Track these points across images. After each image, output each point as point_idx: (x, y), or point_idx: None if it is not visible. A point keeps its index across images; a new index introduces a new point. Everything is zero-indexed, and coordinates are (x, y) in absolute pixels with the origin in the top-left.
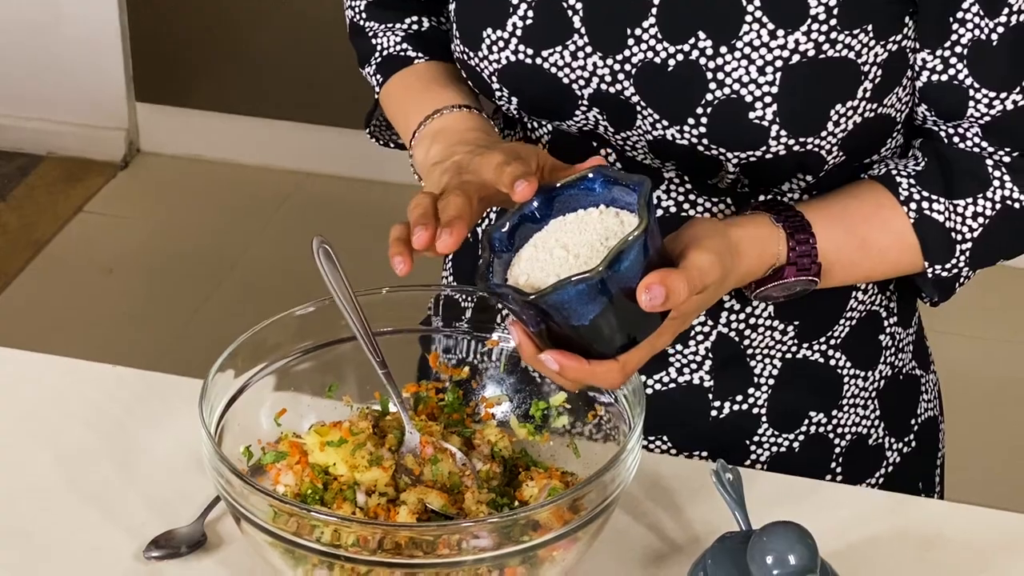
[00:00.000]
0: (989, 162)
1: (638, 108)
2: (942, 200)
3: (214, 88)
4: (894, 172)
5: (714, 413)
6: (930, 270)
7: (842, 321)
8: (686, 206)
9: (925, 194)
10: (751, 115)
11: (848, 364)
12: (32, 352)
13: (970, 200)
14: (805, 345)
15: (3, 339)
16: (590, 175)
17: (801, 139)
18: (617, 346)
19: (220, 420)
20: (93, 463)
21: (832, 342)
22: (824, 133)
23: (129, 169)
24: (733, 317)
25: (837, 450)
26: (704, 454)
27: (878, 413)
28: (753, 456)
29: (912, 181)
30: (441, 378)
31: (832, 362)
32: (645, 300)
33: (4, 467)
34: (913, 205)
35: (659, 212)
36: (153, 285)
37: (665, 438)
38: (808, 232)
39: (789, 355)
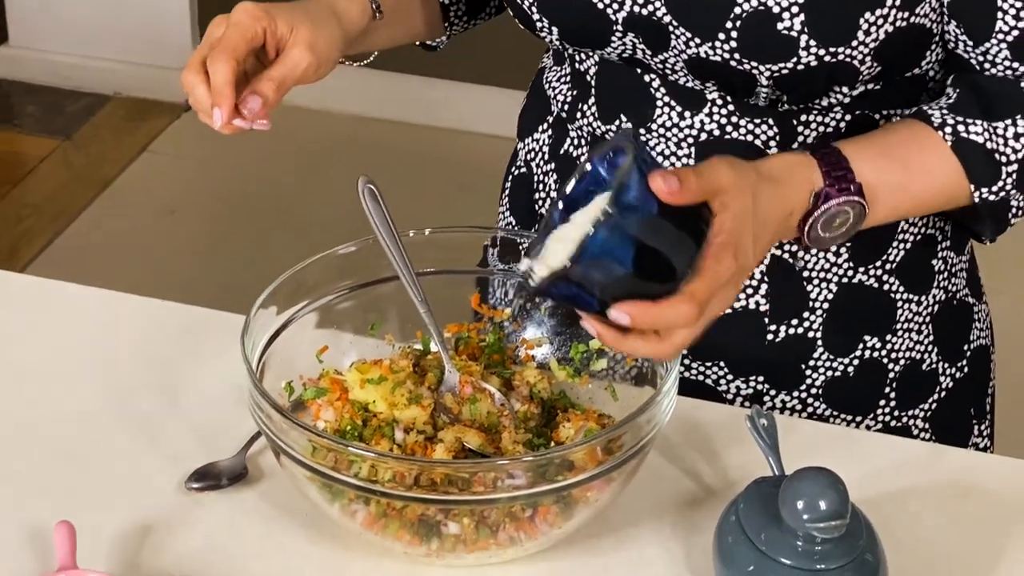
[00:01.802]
0: None
1: (671, 28)
2: (979, 122)
3: None
4: (925, 107)
5: (770, 337)
6: (977, 194)
7: (895, 244)
8: (728, 128)
9: (960, 118)
10: (779, 26)
11: (902, 288)
12: (83, 285)
13: (1009, 121)
14: (861, 269)
15: (65, 274)
16: (587, 167)
17: (831, 49)
18: (675, 280)
19: (262, 355)
20: (140, 394)
21: (887, 266)
22: (855, 43)
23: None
24: (785, 240)
25: (891, 375)
26: (760, 379)
27: (931, 338)
28: (808, 380)
29: (945, 110)
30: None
31: (886, 286)
32: (661, 185)
33: (54, 396)
34: (948, 129)
35: (703, 136)
36: (214, 225)
37: (722, 363)
38: (839, 155)
39: (845, 279)
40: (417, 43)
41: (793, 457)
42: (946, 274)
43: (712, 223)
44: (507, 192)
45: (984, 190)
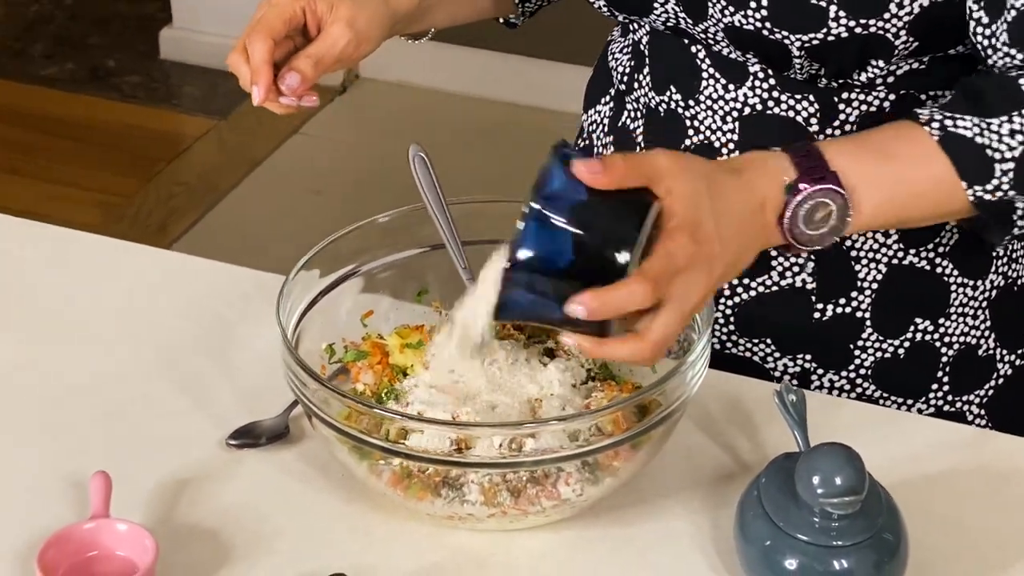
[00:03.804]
0: (1022, 81)
1: None
2: (968, 117)
3: None
4: (915, 108)
5: (817, 315)
6: (970, 192)
7: (949, 227)
8: (771, 103)
9: (948, 114)
10: None
11: (956, 273)
12: (137, 244)
13: (1005, 118)
14: (912, 251)
15: (211, 251)
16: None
17: (862, 20)
18: (623, 262)
19: (302, 316)
20: (193, 355)
21: (940, 249)
22: (887, 15)
23: (348, 93)
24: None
25: (944, 359)
26: (808, 357)
27: (989, 323)
28: (857, 361)
29: (935, 107)
30: None
31: (939, 270)
32: (582, 168)
33: (108, 354)
34: (936, 124)
35: (746, 110)
36: (358, 208)
37: (768, 341)
38: (810, 146)
39: (895, 260)
40: (500, 20)
41: (831, 436)
42: (1005, 259)
43: (661, 210)
44: None
45: (978, 188)
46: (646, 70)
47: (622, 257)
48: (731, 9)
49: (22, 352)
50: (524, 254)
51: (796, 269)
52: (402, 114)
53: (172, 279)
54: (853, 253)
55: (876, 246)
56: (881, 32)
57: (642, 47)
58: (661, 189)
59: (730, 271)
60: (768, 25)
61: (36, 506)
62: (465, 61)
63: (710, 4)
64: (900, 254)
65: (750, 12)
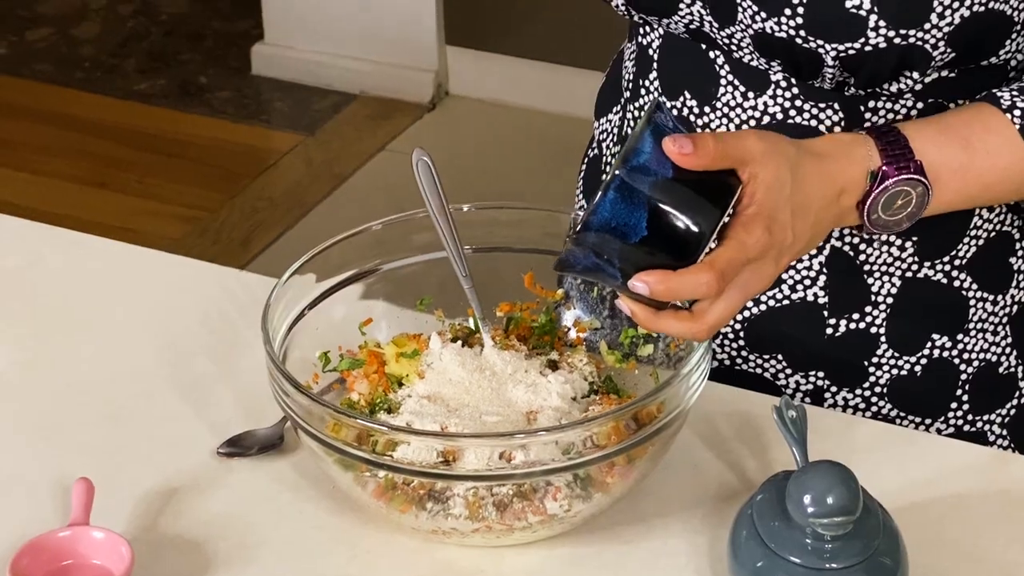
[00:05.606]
0: None
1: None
2: None
3: (524, 34)
4: (995, 90)
5: (829, 331)
6: None
7: (967, 240)
8: (792, 112)
9: None
10: (848, 4)
11: (975, 287)
12: (152, 249)
13: None
14: (927, 264)
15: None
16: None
17: (903, 31)
18: (698, 251)
19: (294, 324)
20: (197, 360)
21: (957, 263)
22: (928, 26)
23: (436, 111)
24: (846, 231)
25: (963, 376)
26: (820, 374)
27: (1010, 340)
28: (872, 378)
29: (1015, 92)
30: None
31: (956, 284)
32: (672, 147)
33: (112, 357)
34: (1017, 112)
35: (765, 119)
36: None
37: (780, 357)
38: (897, 133)
39: (909, 274)
40: None
41: (840, 456)
42: None
43: (742, 195)
44: (581, 173)
45: None
46: (652, 75)
47: (695, 242)
48: (763, 15)
49: (27, 354)
50: (598, 220)
51: (807, 283)
52: (490, 132)
53: (187, 285)
54: (866, 267)
55: (890, 259)
56: (920, 43)
57: (650, 52)
58: (746, 173)
59: (795, 258)
60: (803, 33)
61: (21, 511)
62: (555, 80)
63: (739, 9)
64: (915, 267)
65: (784, 19)
